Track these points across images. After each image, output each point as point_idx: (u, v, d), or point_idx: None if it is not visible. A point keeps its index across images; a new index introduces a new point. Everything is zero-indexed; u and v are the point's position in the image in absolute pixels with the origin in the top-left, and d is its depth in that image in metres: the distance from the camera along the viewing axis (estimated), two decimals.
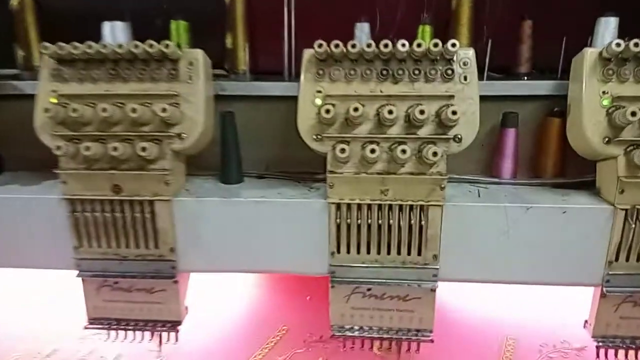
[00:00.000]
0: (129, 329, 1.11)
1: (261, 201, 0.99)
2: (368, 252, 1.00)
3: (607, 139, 0.92)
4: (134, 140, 0.96)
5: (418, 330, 1.05)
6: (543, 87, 1.04)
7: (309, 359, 1.21)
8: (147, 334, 1.12)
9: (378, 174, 0.94)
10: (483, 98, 0.95)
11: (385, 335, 1.05)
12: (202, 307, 1.39)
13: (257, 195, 1.00)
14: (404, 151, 0.89)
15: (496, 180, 1.08)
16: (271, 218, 0.99)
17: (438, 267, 0.99)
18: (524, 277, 1.00)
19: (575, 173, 1.06)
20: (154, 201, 0.99)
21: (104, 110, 0.92)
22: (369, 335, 1.06)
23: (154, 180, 0.98)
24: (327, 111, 0.90)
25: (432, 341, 1.04)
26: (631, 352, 1.04)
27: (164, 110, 0.91)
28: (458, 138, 0.93)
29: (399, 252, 0.99)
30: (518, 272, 0.99)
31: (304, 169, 1.11)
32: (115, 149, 0.93)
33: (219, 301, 1.48)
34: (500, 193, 1.02)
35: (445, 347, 1.22)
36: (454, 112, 0.88)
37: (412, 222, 0.96)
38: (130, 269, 1.04)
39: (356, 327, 1.06)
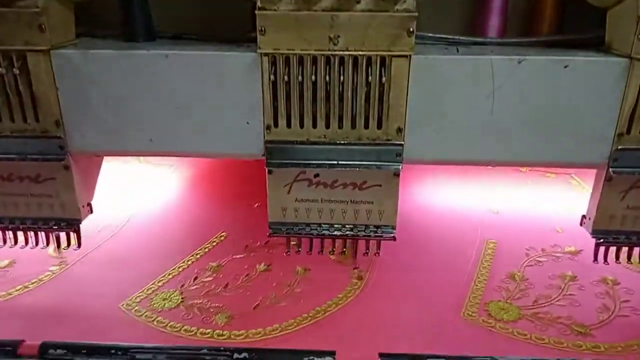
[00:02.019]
0: (17, 230, 0.89)
1: (171, 54, 0.75)
2: (314, 125, 0.77)
3: None
4: None
5: (377, 227, 0.84)
6: None
7: (250, 266, 1.00)
8: (43, 236, 0.90)
9: (325, 11, 0.70)
10: None
11: (337, 233, 0.85)
12: (122, 206, 1.17)
13: (166, 50, 0.76)
14: None
15: (480, 40, 0.85)
16: (185, 78, 0.75)
17: (403, 143, 0.77)
18: (512, 156, 0.78)
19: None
20: (26, 52, 0.74)
21: None
22: (317, 234, 0.85)
23: (24, 23, 0.72)
24: None
25: (394, 239, 0.83)
26: (636, 252, 0.85)
27: None
28: None
29: (353, 125, 0.77)
30: (505, 148, 0.78)
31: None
32: None
33: (146, 202, 1.25)
34: (485, 49, 0.79)
35: (411, 249, 1.01)
36: None
37: (370, 80, 0.73)
38: (7, 149, 0.80)
39: (300, 225, 0.85)
